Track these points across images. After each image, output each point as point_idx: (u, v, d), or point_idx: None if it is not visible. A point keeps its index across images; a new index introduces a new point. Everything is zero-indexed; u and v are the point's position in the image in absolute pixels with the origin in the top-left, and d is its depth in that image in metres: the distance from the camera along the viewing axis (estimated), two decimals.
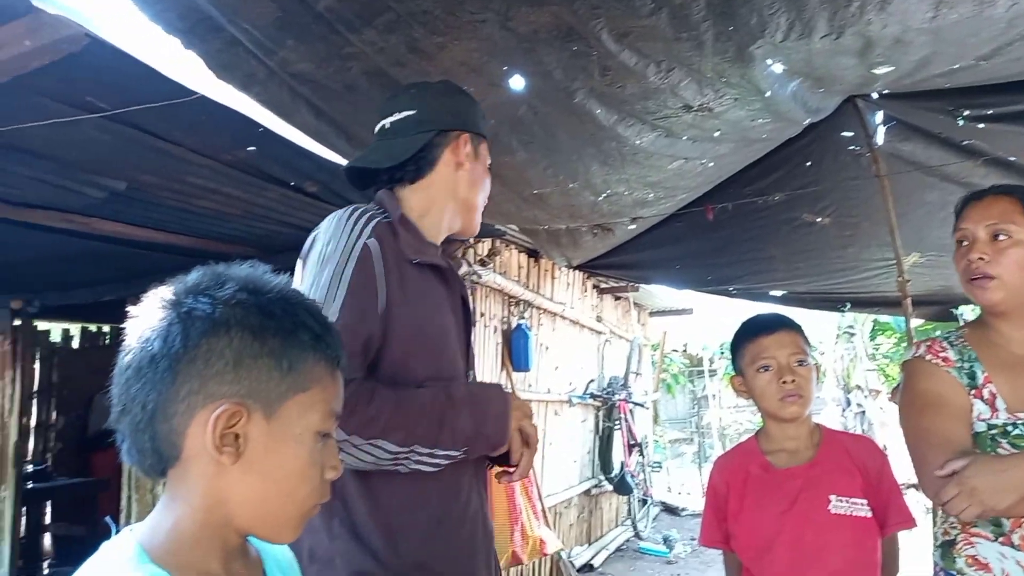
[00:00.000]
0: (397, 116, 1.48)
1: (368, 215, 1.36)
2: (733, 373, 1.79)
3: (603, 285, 7.29)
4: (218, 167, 2.98)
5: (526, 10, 1.62)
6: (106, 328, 7.32)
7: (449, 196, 1.49)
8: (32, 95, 2.25)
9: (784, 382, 1.62)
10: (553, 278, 6.09)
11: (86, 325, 7.37)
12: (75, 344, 7.37)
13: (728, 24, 1.64)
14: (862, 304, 5.64)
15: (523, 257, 5.54)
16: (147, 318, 0.78)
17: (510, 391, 1.47)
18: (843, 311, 5.82)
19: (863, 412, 9.35)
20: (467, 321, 1.55)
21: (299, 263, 1.40)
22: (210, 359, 0.74)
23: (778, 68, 1.90)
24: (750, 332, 1.72)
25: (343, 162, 2.48)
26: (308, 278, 1.32)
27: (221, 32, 1.69)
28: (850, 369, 9.76)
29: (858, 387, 9.48)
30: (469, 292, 1.66)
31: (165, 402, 0.74)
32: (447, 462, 1.33)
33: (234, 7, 1.61)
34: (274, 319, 0.77)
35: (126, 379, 0.77)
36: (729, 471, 1.76)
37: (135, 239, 3.97)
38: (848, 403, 9.56)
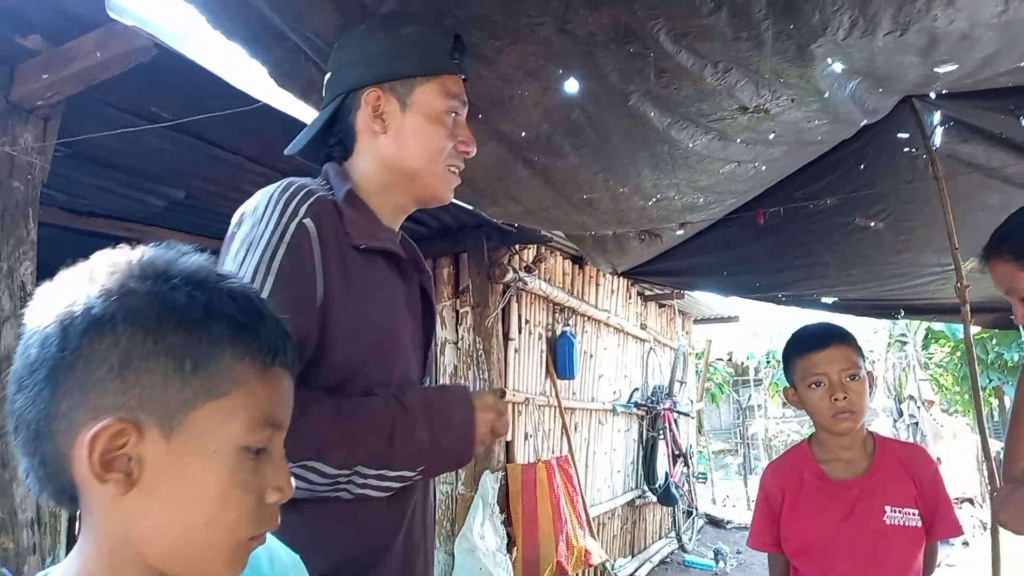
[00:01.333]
0: (326, 78, 1.30)
1: (306, 190, 1.14)
2: (786, 385, 1.79)
3: (648, 292, 7.25)
4: (274, 175, 3.04)
5: (584, 12, 1.63)
6: None
7: (383, 169, 1.24)
8: (100, 105, 2.34)
9: (836, 399, 1.62)
10: (597, 285, 6.07)
11: None
12: None
13: (789, 22, 1.62)
14: (917, 311, 5.50)
15: (568, 264, 5.53)
16: (35, 316, 0.63)
17: (478, 390, 1.20)
18: (897, 318, 5.69)
19: (916, 423, 9.10)
20: (428, 319, 1.33)
21: (223, 248, 1.16)
22: (91, 364, 0.60)
23: (838, 67, 1.87)
24: (802, 346, 1.72)
25: None
26: (229, 266, 1.08)
27: (284, 40, 1.72)
28: (902, 379, 9.52)
29: (911, 397, 9.24)
30: (432, 283, 1.39)
31: (47, 419, 0.61)
32: (400, 485, 1.11)
33: (297, 15, 1.64)
34: (176, 310, 0.62)
35: (11, 392, 0.63)
36: (784, 476, 1.77)
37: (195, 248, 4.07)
38: (900, 414, 9.33)
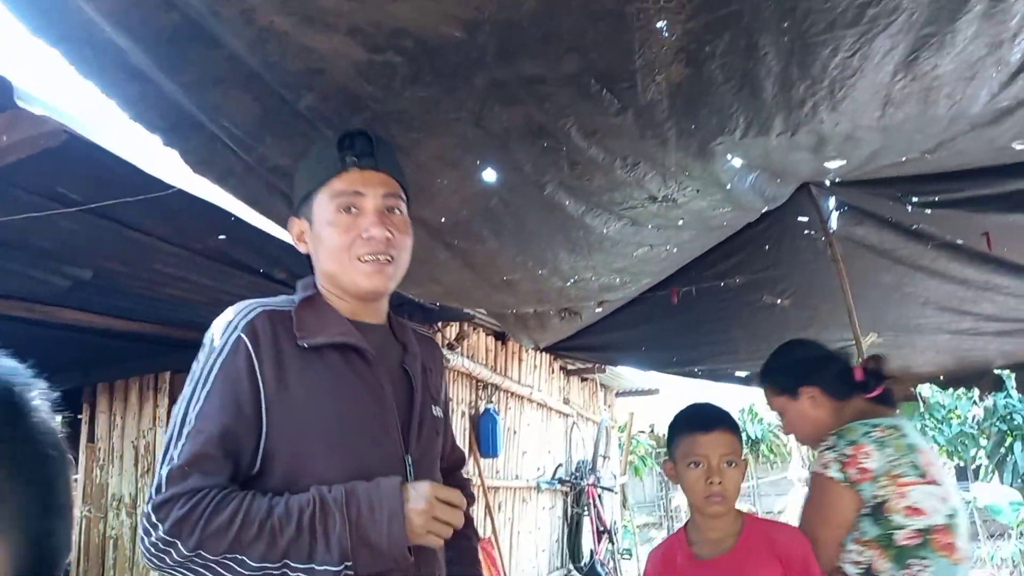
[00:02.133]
0: None
1: (248, 308, 1.28)
2: (666, 457, 1.82)
3: (570, 367, 7.32)
4: (188, 255, 2.99)
5: (498, 109, 1.70)
6: (58, 418, 7.08)
7: (321, 277, 1.39)
8: (6, 187, 2.26)
9: (711, 482, 1.65)
10: (520, 360, 6.10)
11: None
12: None
13: (690, 123, 1.73)
14: None
15: (491, 340, 5.56)
16: None
17: (419, 482, 1.23)
18: None
19: None
20: (410, 398, 1.37)
21: None
22: None
23: (737, 162, 2.00)
24: (688, 426, 1.76)
25: None
26: (184, 390, 1.23)
27: (202, 129, 1.72)
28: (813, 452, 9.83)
29: None
30: (420, 364, 1.43)
31: None
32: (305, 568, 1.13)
33: (216, 106, 1.65)
34: None
35: None
36: (660, 562, 1.81)
37: (97, 327, 3.91)
38: None
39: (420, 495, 1.18)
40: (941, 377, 5.10)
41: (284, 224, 2.32)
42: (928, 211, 2.87)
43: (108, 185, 2.24)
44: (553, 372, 7.01)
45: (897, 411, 2.07)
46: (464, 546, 1.57)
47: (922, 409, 9.69)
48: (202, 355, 1.26)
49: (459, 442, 5.19)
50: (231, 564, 1.11)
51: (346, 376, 1.29)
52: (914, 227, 3.09)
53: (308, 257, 1.45)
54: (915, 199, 2.82)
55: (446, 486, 1.25)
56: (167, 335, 4.22)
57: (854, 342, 3.34)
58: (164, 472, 1.16)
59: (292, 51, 1.49)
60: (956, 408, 10.97)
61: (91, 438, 5.07)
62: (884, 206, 3.02)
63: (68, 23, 1.41)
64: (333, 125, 1.75)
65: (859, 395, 1.98)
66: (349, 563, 1.14)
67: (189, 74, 1.56)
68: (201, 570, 1.12)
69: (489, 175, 2.01)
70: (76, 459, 5.10)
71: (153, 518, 1.13)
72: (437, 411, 1.45)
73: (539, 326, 4.36)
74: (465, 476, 1.74)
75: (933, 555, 1.67)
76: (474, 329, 5.25)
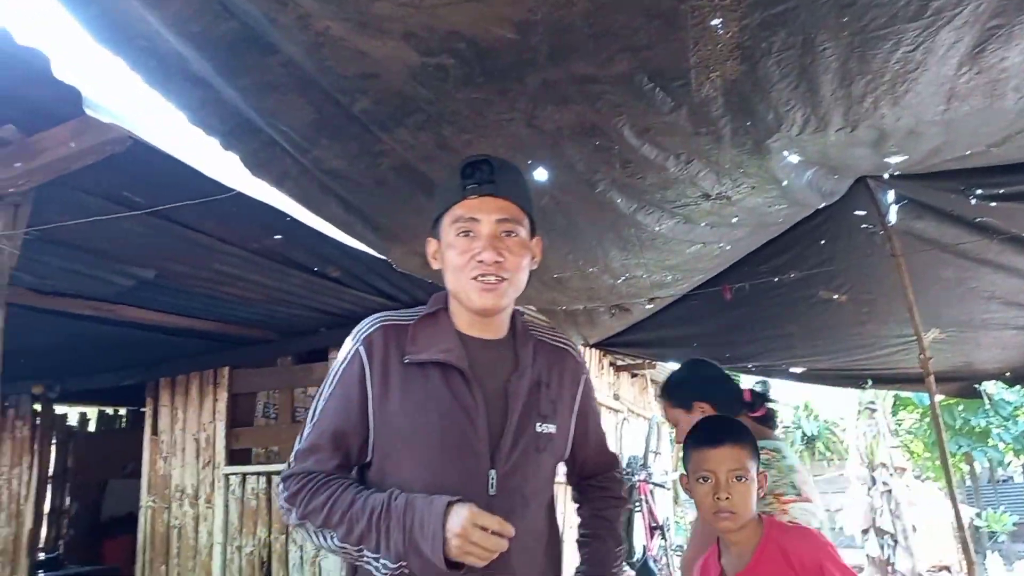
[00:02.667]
0: None
1: (371, 323, 1.49)
2: (683, 471, 1.79)
3: (620, 362, 7.27)
4: (245, 255, 3.06)
5: (551, 109, 1.69)
6: (122, 411, 7.34)
7: (448, 290, 1.52)
8: (72, 191, 2.35)
9: (719, 498, 1.62)
10: None
11: (103, 408, 7.39)
12: (91, 427, 7.38)
13: (746, 120, 1.70)
14: (884, 381, 5.57)
15: None
16: None
17: (459, 507, 1.29)
18: (864, 388, 5.76)
19: (888, 491, 9.11)
20: (505, 413, 1.45)
21: None
22: None
23: (794, 159, 1.96)
24: (696, 440, 1.73)
25: (367, 250, 2.54)
26: (322, 385, 1.50)
27: (259, 133, 1.77)
28: (873, 446, 9.56)
29: (883, 465, 9.27)
30: (530, 381, 1.51)
31: None
32: (396, 573, 1.31)
33: (273, 111, 1.69)
34: None
35: None
36: (700, 570, 1.78)
37: (159, 325, 4.04)
38: (873, 481, 9.33)
39: (458, 520, 1.26)
40: (1007, 374, 4.91)
41: (338, 224, 2.37)
42: (993, 204, 2.77)
43: (170, 189, 2.30)
44: (603, 368, 6.98)
45: (777, 431, 2.33)
46: (597, 548, 1.63)
47: (987, 406, 9.36)
48: (336, 360, 1.49)
49: None
50: (326, 537, 1.36)
51: (442, 392, 1.42)
52: (978, 220, 2.98)
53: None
54: (979, 191, 2.72)
55: (488, 514, 1.28)
56: (226, 332, 4.34)
57: (915, 337, 3.25)
58: (295, 450, 1.46)
59: (347, 56, 1.51)
60: (1022, 406, 10.57)
61: (155, 431, 5.24)
62: (946, 199, 2.91)
63: (133, 33, 1.46)
64: (386, 127, 1.78)
65: (745, 413, 2.20)
66: (404, 564, 1.30)
67: (247, 79, 1.60)
68: (310, 533, 1.37)
69: (540, 174, 2.01)
70: (141, 451, 5.29)
71: (281, 486, 1.43)
72: (545, 427, 1.48)
73: (589, 322, 4.34)
74: (614, 477, 1.75)
75: None
76: None
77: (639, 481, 6.99)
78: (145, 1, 1.36)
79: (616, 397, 7.24)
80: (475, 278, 1.42)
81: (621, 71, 1.52)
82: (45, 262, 2.89)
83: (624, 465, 7.13)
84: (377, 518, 1.32)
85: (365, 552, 1.33)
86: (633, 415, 7.78)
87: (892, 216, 3.14)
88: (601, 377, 6.91)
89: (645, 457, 7.53)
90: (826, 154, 2.00)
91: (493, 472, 1.40)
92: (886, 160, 2.13)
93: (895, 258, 3.11)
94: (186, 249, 2.94)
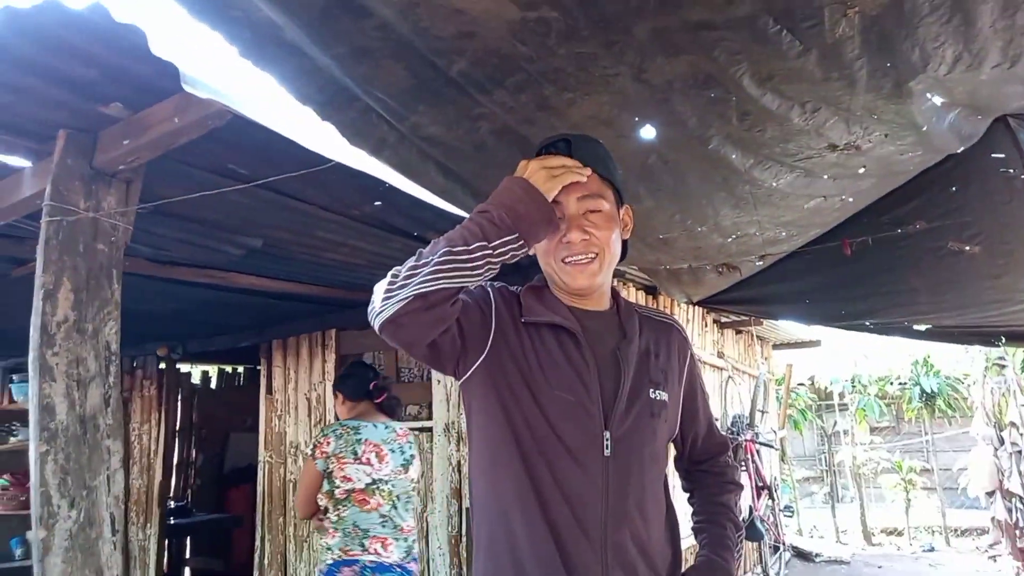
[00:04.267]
0: None
1: (500, 284, 1.50)
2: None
3: (724, 319, 7.03)
4: (346, 222, 3.07)
5: (661, 60, 1.56)
6: (240, 369, 7.71)
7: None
8: (179, 165, 2.39)
9: None
10: (671, 315, 5.92)
11: (223, 367, 7.80)
12: (212, 385, 7.80)
13: (885, 60, 1.51)
14: (1019, 338, 5.15)
15: (640, 295, 5.41)
16: None
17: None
18: (998, 346, 5.33)
19: (1019, 451, 8.51)
20: (618, 379, 1.44)
21: None
22: None
23: (938, 101, 1.74)
24: None
25: (467, 215, 2.49)
26: None
27: (356, 102, 1.71)
28: (1002, 404, 8.93)
29: (1012, 424, 8.64)
30: (638, 348, 1.51)
31: None
32: (513, 244, 1.28)
33: (369, 78, 1.63)
34: None
35: None
36: None
37: (269, 290, 4.16)
38: (1001, 441, 8.74)
39: (525, 166, 1.34)
40: None
41: (437, 191, 2.32)
42: None
43: (270, 160, 2.31)
44: (707, 326, 6.76)
45: (393, 417, 3.21)
46: (717, 533, 1.58)
47: None
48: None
49: None
50: (429, 266, 1.26)
51: (555, 351, 1.42)
52: None
53: None
54: None
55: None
56: (331, 296, 4.43)
57: None
58: None
59: (442, 15, 1.42)
60: None
61: (269, 390, 5.46)
62: None
63: (228, 5, 1.42)
64: (485, 90, 1.69)
65: (366, 400, 3.16)
66: (515, 233, 1.28)
67: (342, 46, 1.54)
68: (415, 283, 1.25)
69: (648, 132, 1.88)
70: (258, 407, 5.53)
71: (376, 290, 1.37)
72: (658, 394, 1.46)
73: (693, 281, 4.17)
74: (727, 463, 1.69)
75: (350, 504, 2.92)
76: (623, 284, 5.12)
77: (745, 440, 6.79)
78: None
79: (720, 355, 7.03)
80: (564, 260, 1.42)
81: (743, 14, 1.37)
82: (160, 234, 2.99)
83: (730, 423, 6.94)
84: (472, 215, 1.31)
85: (472, 248, 1.26)
86: (738, 373, 7.54)
87: None
88: (705, 335, 6.70)
89: (752, 416, 7.31)
90: (975, 94, 1.77)
91: (608, 434, 1.38)
92: None
93: None
94: (290, 218, 2.98)
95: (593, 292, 1.49)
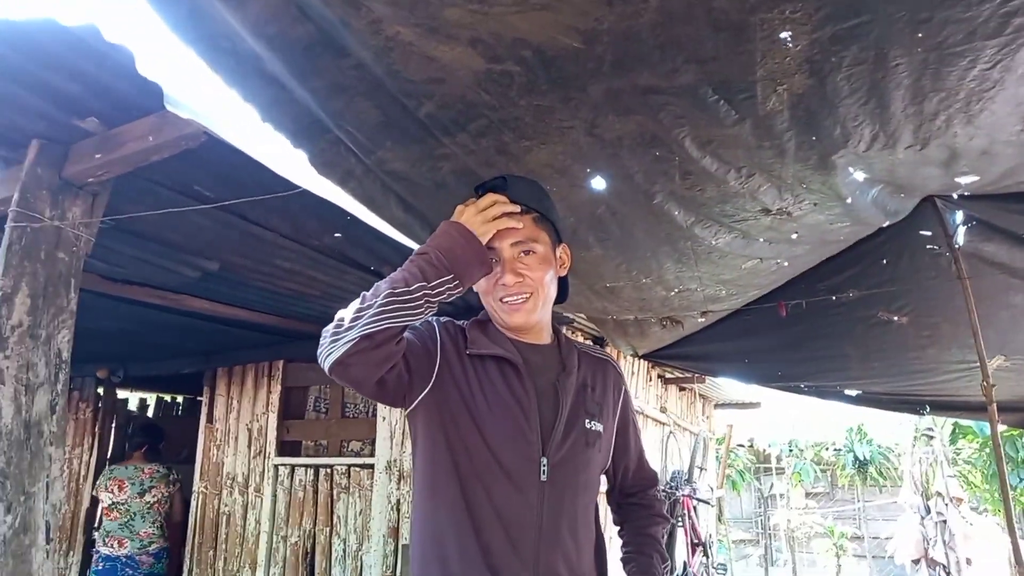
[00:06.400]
0: None
1: (446, 319, 1.62)
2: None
3: (668, 375, 7.20)
4: (305, 251, 3.14)
5: (612, 118, 1.70)
6: (180, 399, 7.56)
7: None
8: (146, 183, 2.44)
9: None
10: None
11: (161, 395, 7.63)
12: (150, 413, 7.62)
13: (811, 134, 1.68)
14: (942, 407, 5.40)
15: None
16: None
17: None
18: (922, 414, 5.58)
19: (944, 521, 8.78)
20: (556, 407, 1.53)
21: None
22: None
23: (860, 176, 1.92)
24: None
25: None
26: None
27: (327, 133, 1.81)
28: (929, 474, 9.23)
29: (938, 494, 8.93)
30: (576, 381, 1.61)
31: None
32: (434, 288, 1.38)
33: (342, 112, 1.74)
34: None
35: None
36: None
37: (220, 316, 4.16)
38: (928, 511, 9.01)
39: (459, 212, 1.48)
40: None
41: (396, 224, 2.42)
42: None
43: (238, 185, 2.38)
44: (651, 380, 6.91)
45: (154, 463, 4.93)
46: (644, 563, 1.68)
47: None
48: None
49: None
50: (372, 307, 1.35)
51: (497, 382, 1.51)
52: None
53: None
54: None
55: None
56: (282, 326, 4.44)
57: (978, 364, 3.14)
58: None
59: (415, 60, 1.54)
60: None
61: (210, 419, 5.39)
62: (1018, 221, 2.81)
63: (216, 32, 1.52)
64: (449, 132, 1.81)
65: (137, 451, 4.98)
66: (451, 275, 1.40)
67: (319, 81, 1.65)
68: (357, 323, 1.34)
69: (598, 183, 2.01)
70: (196, 438, 5.44)
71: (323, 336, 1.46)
72: (593, 425, 1.56)
73: (639, 333, 4.31)
74: (655, 496, 1.80)
75: (106, 520, 4.73)
76: (572, 333, 5.25)
77: (683, 496, 6.90)
78: (227, 3, 1.41)
79: (663, 410, 7.17)
80: (502, 299, 1.54)
81: (685, 82, 1.52)
82: (118, 250, 3.01)
83: (668, 479, 7.04)
84: (412, 257, 1.42)
85: (426, 291, 1.37)
86: (679, 429, 7.68)
87: (960, 238, 3.04)
88: (649, 389, 6.85)
89: (690, 472, 7.43)
90: (893, 172, 1.95)
91: (545, 459, 1.47)
92: (956, 180, 2.07)
93: (961, 281, 3.02)
94: (250, 244, 3.03)
95: (531, 328, 1.59)
